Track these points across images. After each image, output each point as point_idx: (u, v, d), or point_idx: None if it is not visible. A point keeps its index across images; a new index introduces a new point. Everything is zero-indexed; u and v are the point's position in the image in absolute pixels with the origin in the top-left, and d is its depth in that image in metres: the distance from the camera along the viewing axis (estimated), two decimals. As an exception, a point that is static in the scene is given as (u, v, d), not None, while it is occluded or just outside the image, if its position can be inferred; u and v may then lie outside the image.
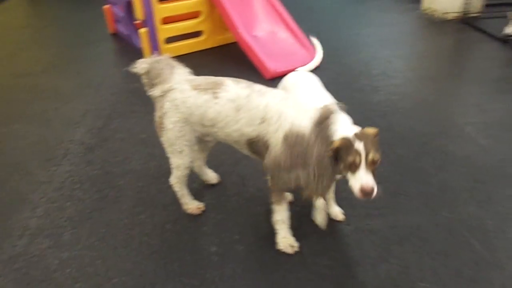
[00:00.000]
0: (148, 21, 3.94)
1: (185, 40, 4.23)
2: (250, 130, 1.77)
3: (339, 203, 2.18)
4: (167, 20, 4.08)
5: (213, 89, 1.82)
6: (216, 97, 1.80)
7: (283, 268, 1.87)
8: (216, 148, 2.31)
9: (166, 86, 1.87)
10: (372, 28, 4.87)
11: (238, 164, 2.54)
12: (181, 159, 1.97)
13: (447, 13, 4.91)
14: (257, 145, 1.81)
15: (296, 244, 1.95)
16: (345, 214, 2.13)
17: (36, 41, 4.96)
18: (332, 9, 5.73)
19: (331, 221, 2.10)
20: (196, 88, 1.84)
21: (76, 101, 3.40)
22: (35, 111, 3.27)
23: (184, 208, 2.17)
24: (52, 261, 1.93)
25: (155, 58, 1.96)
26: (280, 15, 4.13)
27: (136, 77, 2.06)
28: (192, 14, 4.23)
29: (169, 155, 2.01)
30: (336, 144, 1.59)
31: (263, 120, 1.74)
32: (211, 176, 2.39)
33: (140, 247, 1.98)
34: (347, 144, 1.58)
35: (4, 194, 2.37)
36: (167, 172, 2.38)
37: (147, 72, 1.94)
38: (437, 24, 4.85)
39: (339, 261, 1.90)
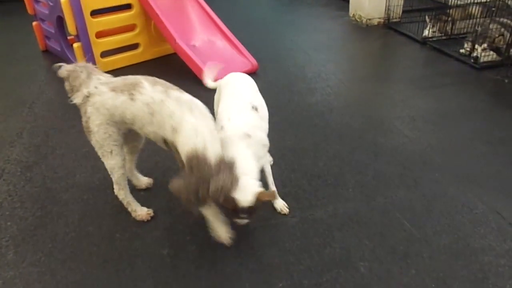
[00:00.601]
0: (81, 36, 3.87)
1: (121, 53, 4.21)
2: (163, 134, 1.88)
3: (284, 197, 2.30)
4: (101, 34, 4.04)
5: (129, 91, 1.88)
6: (132, 99, 1.87)
7: (235, 262, 1.94)
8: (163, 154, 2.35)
9: (85, 91, 1.92)
10: (306, 34, 5.14)
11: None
12: (112, 159, 2.02)
13: (372, 19, 5.31)
14: (172, 145, 1.91)
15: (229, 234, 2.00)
16: (290, 207, 2.25)
17: (-42, 61, 4.65)
18: (267, 19, 5.96)
19: (277, 214, 2.21)
20: (113, 89, 1.91)
21: (9, 121, 3.26)
22: (-36, 133, 3.09)
23: (133, 216, 2.18)
24: (-5, 283, 1.85)
25: (75, 64, 1.99)
26: (216, 25, 4.25)
27: None
28: (127, 27, 4.22)
29: (102, 158, 2.05)
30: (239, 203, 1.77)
31: (174, 130, 1.82)
32: (142, 180, 2.43)
33: (90, 258, 1.96)
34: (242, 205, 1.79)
35: None
36: (112, 184, 2.37)
37: (67, 77, 1.96)
38: (363, 29, 5.23)
39: (287, 251, 2.01)
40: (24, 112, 3.38)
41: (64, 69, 1.96)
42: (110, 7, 4.02)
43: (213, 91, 2.39)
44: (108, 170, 2.07)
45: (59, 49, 4.48)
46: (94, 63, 3.96)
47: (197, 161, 1.73)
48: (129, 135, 2.08)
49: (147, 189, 2.41)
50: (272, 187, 2.19)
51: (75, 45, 3.92)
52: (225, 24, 4.27)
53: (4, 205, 2.33)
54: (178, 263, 1.94)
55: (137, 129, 1.95)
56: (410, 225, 2.15)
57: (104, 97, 1.90)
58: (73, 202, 2.33)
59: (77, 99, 1.94)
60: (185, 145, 1.79)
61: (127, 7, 4.11)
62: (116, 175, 2.06)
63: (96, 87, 1.92)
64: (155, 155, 2.68)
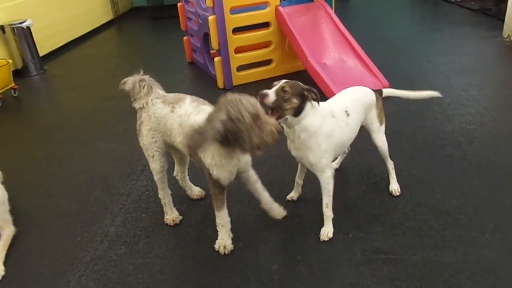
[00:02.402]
0: (222, 51, 4.21)
1: (255, 68, 4.44)
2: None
3: (405, 232, 2.12)
4: (239, 50, 4.33)
5: (174, 104, 2.09)
6: (172, 111, 2.08)
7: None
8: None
9: (143, 101, 2.18)
10: (447, 56, 4.73)
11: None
12: (153, 163, 2.27)
13: (532, 40, 4.63)
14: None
15: (230, 247, 2.11)
16: (411, 243, 2.06)
17: (122, 68, 5.49)
18: (403, 38, 5.67)
19: (396, 249, 2.04)
20: (164, 102, 2.14)
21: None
22: (118, 130, 3.61)
23: (165, 218, 2.36)
24: (127, 266, 2.09)
25: (138, 77, 2.22)
26: (349, 43, 4.18)
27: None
28: (263, 44, 4.44)
29: (147, 159, 2.30)
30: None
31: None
32: (194, 191, 2.59)
33: (205, 260, 2.08)
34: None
35: (89, 203, 2.63)
36: (232, 189, 2.49)
37: (132, 89, 2.21)
38: (520, 52, 4.59)
39: (404, 291, 1.83)
40: (167, 117, 3.80)
41: (128, 83, 2.23)
42: (250, 25, 4.29)
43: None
44: (151, 171, 2.31)
45: (202, 62, 4.94)
46: (230, 76, 4.30)
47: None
48: (175, 147, 2.22)
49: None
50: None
51: (216, 59, 4.27)
52: (358, 42, 4.18)
53: (142, 198, 2.63)
54: (286, 281, 1.92)
55: (173, 141, 2.11)
56: None
57: (156, 107, 2.15)
58: (197, 204, 2.52)
59: (137, 104, 2.23)
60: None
61: (265, 25, 4.33)
62: (155, 177, 2.32)
63: (152, 99, 2.18)
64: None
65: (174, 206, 2.46)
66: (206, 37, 4.52)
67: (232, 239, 2.19)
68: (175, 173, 2.60)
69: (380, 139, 2.35)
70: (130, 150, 3.25)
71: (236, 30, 4.21)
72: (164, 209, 2.39)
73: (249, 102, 1.70)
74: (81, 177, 2.93)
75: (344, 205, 2.38)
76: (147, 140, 2.22)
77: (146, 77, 2.26)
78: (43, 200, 2.70)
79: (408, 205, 2.34)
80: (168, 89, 4.62)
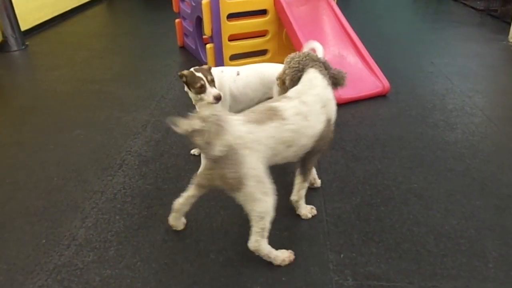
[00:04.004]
0: (215, 38, 3.95)
1: (249, 58, 4.19)
2: (321, 121, 1.93)
3: (402, 255, 1.94)
4: (233, 37, 4.07)
5: (274, 115, 1.81)
6: (283, 119, 1.81)
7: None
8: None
9: (224, 141, 1.61)
10: (450, 58, 4.53)
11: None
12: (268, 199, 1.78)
13: (539, 47, 4.45)
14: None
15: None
16: (407, 270, 1.88)
17: (109, 49, 5.19)
18: (406, 36, 5.45)
19: (393, 277, 1.86)
20: (258, 123, 1.76)
21: (138, 112, 3.45)
22: (99, 118, 3.36)
23: (278, 263, 1.90)
24: (94, 277, 1.88)
25: (203, 116, 1.61)
26: (350, 39, 3.95)
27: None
28: (259, 33, 4.19)
29: (252, 205, 1.76)
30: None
31: (323, 104, 1.94)
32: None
33: (181, 276, 1.87)
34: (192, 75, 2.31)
35: (59, 200, 2.40)
36: (217, 195, 2.31)
37: (195, 131, 1.59)
38: (525, 58, 4.41)
39: (397, 325, 1.66)
40: (152, 106, 3.55)
41: (185, 126, 1.60)
42: (246, 12, 4.03)
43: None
44: (258, 216, 1.80)
45: (193, 47, 4.67)
46: (222, 64, 4.04)
47: None
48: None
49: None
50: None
51: (208, 46, 4.01)
52: (360, 38, 3.95)
53: (117, 197, 2.41)
54: (269, 306, 1.74)
55: (294, 148, 1.91)
56: None
57: (255, 136, 1.72)
58: (177, 208, 2.30)
59: (215, 150, 1.60)
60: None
61: (263, 12, 4.08)
62: (267, 220, 1.81)
63: (237, 130, 1.69)
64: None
65: (151, 209, 2.25)
66: (199, 21, 4.25)
67: (212, 251, 2.00)
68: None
69: None
70: (110, 141, 3.01)
71: (231, 16, 3.95)
72: (272, 256, 1.89)
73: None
74: (53, 169, 2.69)
75: (336, 219, 2.19)
76: (257, 177, 1.74)
77: (214, 116, 1.62)
78: (8, 194, 2.46)
79: (406, 223, 2.16)
80: (156, 75, 4.40)
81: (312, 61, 2.04)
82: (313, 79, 1.99)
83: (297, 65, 2.04)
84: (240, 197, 1.76)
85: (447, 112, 3.34)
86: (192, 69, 2.36)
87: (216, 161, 1.68)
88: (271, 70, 2.68)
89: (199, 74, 2.32)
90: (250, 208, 1.77)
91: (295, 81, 2.04)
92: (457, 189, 2.43)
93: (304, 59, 2.05)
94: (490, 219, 2.18)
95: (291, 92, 1.99)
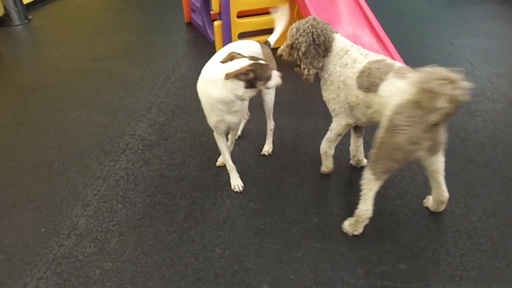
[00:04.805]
0: (223, 14, 3.76)
1: (258, 36, 4.00)
2: None
3: (418, 253, 1.83)
4: (242, 14, 3.88)
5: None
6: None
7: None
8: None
9: None
10: (470, 38, 4.29)
11: (303, 185, 2.27)
12: None
13: None
14: None
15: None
16: (425, 271, 1.77)
17: (114, 25, 5.02)
18: (424, 14, 5.18)
19: (405, 278, 1.76)
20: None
21: (142, 92, 3.32)
22: (102, 98, 3.24)
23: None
24: (94, 270, 1.80)
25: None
26: (366, 17, 3.74)
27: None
28: (269, 9, 3.99)
29: None
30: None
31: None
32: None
33: (185, 271, 1.79)
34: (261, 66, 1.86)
35: (60, 186, 2.31)
36: (224, 184, 2.21)
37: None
38: (551, 39, 4.16)
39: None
40: (158, 86, 3.42)
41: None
42: (256, -13, 3.83)
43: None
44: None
45: (201, 24, 4.48)
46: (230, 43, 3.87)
47: None
48: None
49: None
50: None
51: (216, 23, 3.83)
52: (376, 16, 3.73)
53: (120, 184, 2.31)
54: (277, 307, 1.65)
55: None
56: None
57: None
58: (181, 197, 2.20)
59: None
60: None
61: (274, -12, 3.87)
62: None
63: None
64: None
65: (154, 198, 2.16)
66: (207, -4, 4.06)
67: (218, 245, 1.91)
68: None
69: (268, 92, 2.31)
70: (113, 123, 2.91)
71: (241, -8, 3.75)
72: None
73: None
74: (54, 153, 2.60)
75: (349, 214, 2.08)
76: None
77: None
78: (7, 178, 2.38)
79: (422, 219, 2.04)
80: (162, 53, 4.25)
81: (326, 24, 1.99)
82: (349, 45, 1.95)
83: (311, 29, 1.94)
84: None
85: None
86: (250, 61, 1.87)
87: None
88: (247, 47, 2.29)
89: (262, 62, 1.89)
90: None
91: (316, 45, 1.94)
92: (478, 182, 2.29)
93: (316, 23, 1.96)
94: (513, 216, 2.06)
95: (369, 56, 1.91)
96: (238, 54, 1.92)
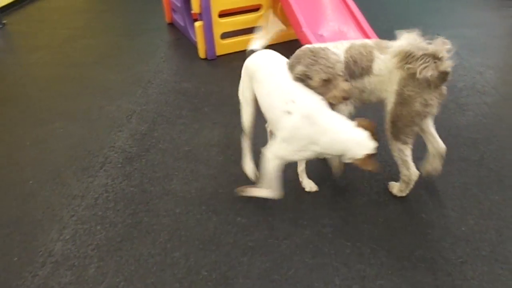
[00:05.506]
0: (204, 14, 3.61)
1: (242, 36, 3.87)
2: None
3: (416, 264, 1.74)
4: (224, 13, 3.75)
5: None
6: None
7: None
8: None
9: None
10: (457, 28, 4.21)
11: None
12: None
13: (553, 14, 4.12)
14: None
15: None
16: (423, 280, 1.68)
17: (92, 27, 4.84)
18: (409, 6, 5.08)
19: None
20: None
21: (123, 99, 3.18)
22: (80, 108, 3.09)
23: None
24: (72, 301, 1.68)
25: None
26: (351, 12, 3.62)
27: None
28: (251, 7, 3.87)
29: None
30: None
31: None
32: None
33: (170, 297, 1.68)
34: None
35: (34, 207, 2.17)
36: (210, 197, 2.10)
37: None
38: (539, 27, 4.10)
39: None
40: (138, 92, 3.27)
41: None
42: (237, -15, 3.69)
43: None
44: None
45: (182, 24, 4.33)
46: (213, 44, 3.73)
47: None
48: None
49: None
50: None
51: (197, 24, 3.69)
52: (360, 9, 3.62)
53: (98, 203, 2.18)
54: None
55: None
56: None
57: None
58: (164, 215, 2.08)
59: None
60: None
61: (255, -15, 3.74)
62: None
63: None
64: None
65: (136, 216, 2.03)
66: (187, -5, 3.90)
67: (204, 266, 1.79)
68: None
69: None
70: (91, 135, 2.76)
71: (221, -10, 3.61)
72: None
73: (328, 62, 1.71)
74: (29, 170, 2.45)
75: (342, 223, 1.98)
76: None
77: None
78: (-22, 202, 2.24)
79: (419, 226, 1.95)
80: (142, 57, 4.08)
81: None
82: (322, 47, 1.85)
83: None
84: None
85: (456, 91, 3.07)
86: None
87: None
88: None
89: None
90: None
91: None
92: (473, 181, 2.21)
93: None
94: (511, 217, 1.97)
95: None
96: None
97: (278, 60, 1.95)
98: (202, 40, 3.72)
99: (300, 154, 1.78)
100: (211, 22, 3.66)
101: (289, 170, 2.32)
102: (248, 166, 2.24)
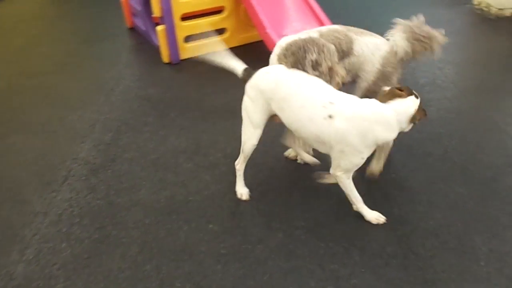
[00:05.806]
0: (166, 17, 3.54)
1: (205, 39, 3.82)
2: None
3: (388, 260, 1.76)
4: (186, 16, 3.69)
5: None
6: None
7: None
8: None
9: None
10: (416, 25, 4.32)
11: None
12: None
13: (504, 9, 4.32)
14: None
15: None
16: (396, 278, 1.71)
17: (49, 34, 4.65)
18: (369, 5, 5.18)
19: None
20: None
21: (84, 109, 3.06)
22: (39, 120, 2.95)
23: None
24: (38, 326, 1.60)
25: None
26: (313, 12, 3.65)
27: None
28: (214, 9, 3.82)
29: None
30: None
31: None
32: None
33: (143, 314, 1.62)
34: None
35: (-7, 228, 2.05)
36: (180, 205, 2.05)
37: None
38: (492, 21, 4.27)
39: None
40: (100, 101, 3.16)
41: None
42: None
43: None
44: None
45: (144, 28, 4.23)
46: (176, 48, 3.67)
47: None
48: None
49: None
50: None
51: (159, 28, 3.60)
52: (323, 10, 3.66)
53: (63, 218, 2.09)
54: None
55: None
56: None
57: None
58: (133, 227, 2.01)
59: None
60: None
61: (216, -13, 3.70)
62: None
63: None
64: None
65: (103, 230, 1.95)
66: None
67: (178, 278, 1.75)
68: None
69: None
70: (53, 147, 2.65)
71: (182, -7, 3.55)
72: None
73: (327, 50, 1.81)
74: (-15, 189, 2.32)
75: (314, 223, 1.98)
76: None
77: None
78: None
79: (389, 223, 1.97)
80: (103, 63, 3.96)
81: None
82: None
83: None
84: None
85: (419, 87, 3.15)
86: (416, 99, 1.83)
87: None
88: None
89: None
90: None
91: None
92: (439, 175, 2.27)
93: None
94: (475, 208, 2.04)
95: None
96: (399, 90, 1.80)
97: (289, 70, 1.85)
98: (165, 44, 3.65)
99: (367, 151, 1.79)
100: (173, 26, 3.60)
101: (259, 174, 2.31)
102: (244, 190, 2.14)
